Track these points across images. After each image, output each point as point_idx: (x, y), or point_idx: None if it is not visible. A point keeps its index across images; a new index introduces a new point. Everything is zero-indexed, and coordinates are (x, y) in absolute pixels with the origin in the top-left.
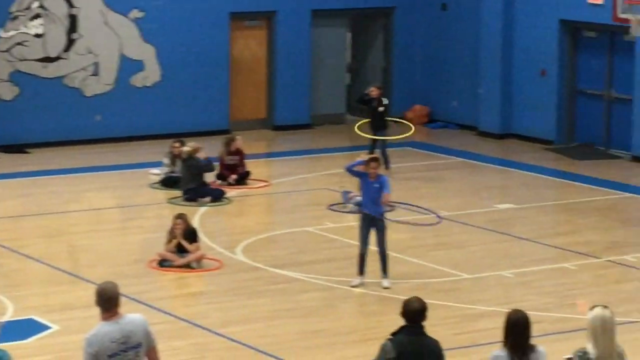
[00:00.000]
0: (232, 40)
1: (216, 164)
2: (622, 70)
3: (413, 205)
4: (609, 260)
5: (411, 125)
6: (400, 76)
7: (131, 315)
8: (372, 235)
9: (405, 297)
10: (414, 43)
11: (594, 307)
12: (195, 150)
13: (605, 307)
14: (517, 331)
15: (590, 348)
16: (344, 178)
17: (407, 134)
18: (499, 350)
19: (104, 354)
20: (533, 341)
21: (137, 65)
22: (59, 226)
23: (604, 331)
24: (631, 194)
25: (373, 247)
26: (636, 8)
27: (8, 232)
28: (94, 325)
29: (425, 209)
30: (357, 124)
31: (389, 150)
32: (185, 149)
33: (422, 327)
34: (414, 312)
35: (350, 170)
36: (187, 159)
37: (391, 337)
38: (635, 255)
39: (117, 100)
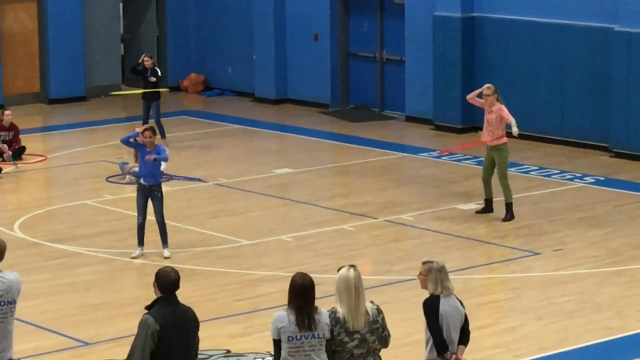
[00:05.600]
0: (2, 14)
1: None
2: (393, 32)
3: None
4: (386, 220)
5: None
6: (175, 45)
7: (9, 272)
8: (150, 206)
9: (189, 267)
10: (187, 11)
11: (340, 267)
12: None
13: (352, 266)
14: (302, 294)
15: (338, 307)
16: (121, 149)
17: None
18: (283, 311)
19: None
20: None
21: None
22: None
23: (347, 290)
24: (405, 154)
25: (152, 217)
26: None
27: None
28: None
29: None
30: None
31: (164, 120)
32: None
33: (176, 297)
34: (172, 283)
35: (126, 142)
36: None
37: (147, 311)
38: (410, 214)
39: None
